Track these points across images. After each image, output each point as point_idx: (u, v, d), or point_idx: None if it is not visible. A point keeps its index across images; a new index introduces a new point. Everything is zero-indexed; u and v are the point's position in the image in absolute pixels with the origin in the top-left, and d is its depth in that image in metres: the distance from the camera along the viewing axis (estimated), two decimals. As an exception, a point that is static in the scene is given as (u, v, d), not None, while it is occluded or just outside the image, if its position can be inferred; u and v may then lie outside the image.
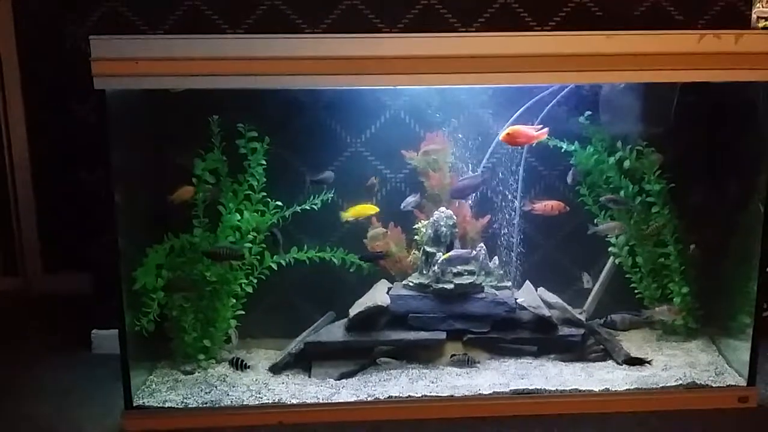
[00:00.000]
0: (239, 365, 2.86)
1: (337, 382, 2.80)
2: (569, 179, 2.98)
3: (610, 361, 2.91)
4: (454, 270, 2.91)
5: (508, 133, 2.79)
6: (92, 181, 3.06)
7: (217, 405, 2.68)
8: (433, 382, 2.77)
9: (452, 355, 2.86)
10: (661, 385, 2.74)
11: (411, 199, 2.96)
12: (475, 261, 2.94)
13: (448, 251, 2.91)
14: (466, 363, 2.84)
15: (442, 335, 2.88)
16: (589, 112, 2.93)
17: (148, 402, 2.68)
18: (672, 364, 2.88)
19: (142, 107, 2.69)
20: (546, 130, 2.81)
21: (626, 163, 2.95)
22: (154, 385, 2.79)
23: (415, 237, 2.99)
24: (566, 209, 2.93)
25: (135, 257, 2.70)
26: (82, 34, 2.58)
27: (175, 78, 2.42)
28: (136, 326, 2.67)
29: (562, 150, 2.95)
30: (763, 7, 2.87)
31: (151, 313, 2.70)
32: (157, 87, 2.46)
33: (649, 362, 2.88)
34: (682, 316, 3.01)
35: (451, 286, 2.88)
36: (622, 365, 2.87)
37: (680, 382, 2.76)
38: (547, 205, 2.93)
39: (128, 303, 2.62)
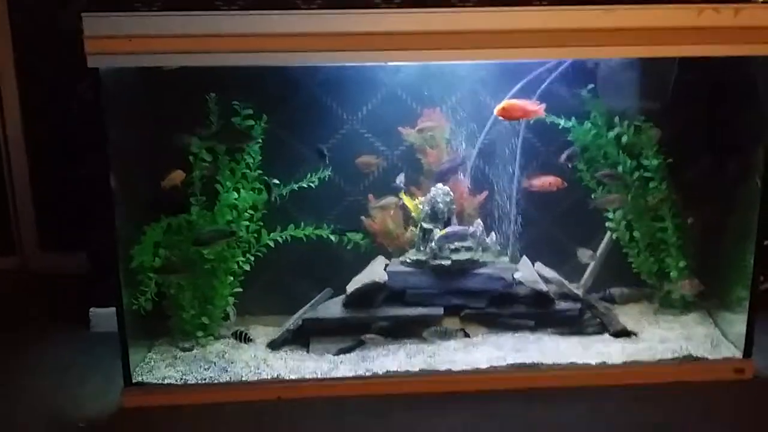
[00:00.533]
0: (242, 338, 2.87)
1: (335, 357, 2.82)
2: (567, 159, 2.96)
3: (606, 335, 2.92)
4: (452, 246, 2.91)
5: (503, 108, 2.77)
6: (90, 160, 3.04)
7: (215, 381, 2.69)
8: (430, 357, 2.79)
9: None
10: (657, 358, 2.76)
11: (399, 179, 2.95)
12: (473, 237, 2.94)
13: (445, 228, 2.91)
14: (445, 335, 2.85)
15: (440, 311, 2.89)
16: (591, 85, 2.91)
17: (147, 379, 2.69)
18: (669, 337, 2.89)
19: (137, 86, 2.67)
20: (543, 106, 2.79)
21: (624, 138, 2.94)
22: (153, 362, 2.80)
23: (412, 214, 2.99)
24: (564, 185, 2.93)
25: (132, 235, 2.70)
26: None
27: (170, 55, 2.40)
28: (134, 305, 2.67)
29: (560, 126, 2.94)
30: (762, -20, 2.85)
31: (149, 292, 2.70)
32: (150, 64, 2.44)
33: (635, 334, 2.90)
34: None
35: (448, 262, 2.88)
36: (615, 337, 2.89)
37: (677, 354, 2.77)
38: (545, 181, 2.93)
39: (126, 281, 2.62)
